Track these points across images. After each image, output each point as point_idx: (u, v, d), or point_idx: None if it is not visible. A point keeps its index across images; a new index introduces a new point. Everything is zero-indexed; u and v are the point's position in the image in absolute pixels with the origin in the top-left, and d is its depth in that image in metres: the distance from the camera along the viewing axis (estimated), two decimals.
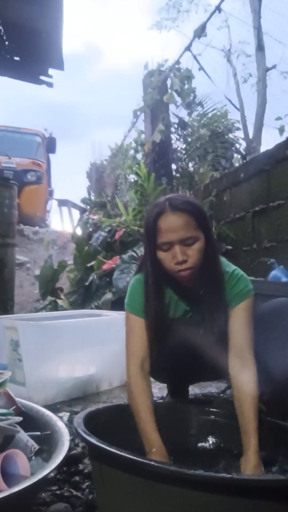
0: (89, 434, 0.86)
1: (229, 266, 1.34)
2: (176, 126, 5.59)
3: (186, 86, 5.19)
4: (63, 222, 9.77)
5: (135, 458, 0.76)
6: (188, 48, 5.00)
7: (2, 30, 3.60)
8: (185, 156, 5.64)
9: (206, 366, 1.21)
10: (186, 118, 5.63)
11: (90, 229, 4.59)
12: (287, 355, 1.27)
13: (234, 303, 1.26)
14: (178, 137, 5.66)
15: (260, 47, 4.80)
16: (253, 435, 1.06)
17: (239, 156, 5.54)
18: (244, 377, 1.16)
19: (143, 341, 1.25)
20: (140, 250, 3.36)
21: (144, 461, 0.76)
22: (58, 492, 1.09)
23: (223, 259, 1.37)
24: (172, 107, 5.40)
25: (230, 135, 5.65)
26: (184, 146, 5.68)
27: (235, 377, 1.17)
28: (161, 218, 1.22)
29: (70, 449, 1.13)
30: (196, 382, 1.67)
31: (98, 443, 0.82)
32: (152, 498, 0.77)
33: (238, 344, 1.21)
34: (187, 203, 1.25)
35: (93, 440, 0.84)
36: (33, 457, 0.99)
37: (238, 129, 5.56)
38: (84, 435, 0.87)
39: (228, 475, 0.73)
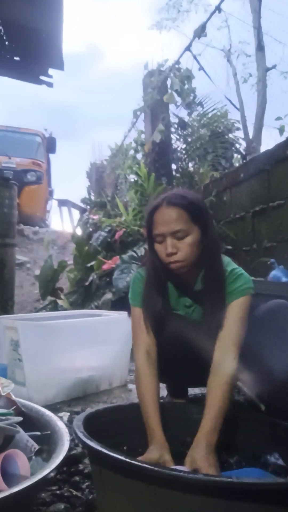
0: (89, 438, 0.86)
1: (230, 265, 1.34)
2: (176, 126, 5.59)
3: (186, 86, 5.19)
4: (63, 222, 9.79)
5: (135, 462, 0.76)
6: (188, 48, 5.00)
7: (2, 30, 3.61)
8: (185, 156, 5.64)
9: (203, 364, 1.22)
10: (186, 118, 5.63)
11: (90, 229, 4.59)
12: (285, 356, 1.27)
13: (229, 300, 1.27)
14: (178, 137, 5.66)
15: (260, 47, 4.80)
16: (209, 421, 1.07)
17: (239, 156, 5.54)
18: (221, 366, 1.17)
19: (148, 329, 1.28)
20: (140, 250, 3.36)
21: (144, 465, 0.76)
22: (58, 492, 1.09)
23: (227, 258, 1.37)
24: (172, 107, 5.40)
25: (230, 135, 5.65)
26: (184, 146, 5.68)
27: (213, 364, 1.19)
28: (157, 211, 1.28)
29: (70, 449, 1.13)
30: (194, 384, 1.66)
31: (98, 447, 0.82)
32: (152, 502, 0.77)
33: (224, 336, 1.22)
34: (183, 198, 1.28)
35: (93, 444, 0.84)
36: (33, 457, 0.99)
37: (238, 129, 5.56)
38: (84, 439, 0.87)
39: (228, 479, 0.73)
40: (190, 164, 5.62)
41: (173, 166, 5.51)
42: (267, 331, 1.31)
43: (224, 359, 1.18)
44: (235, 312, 1.25)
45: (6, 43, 3.76)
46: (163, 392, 1.81)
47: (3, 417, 0.98)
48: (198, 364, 1.23)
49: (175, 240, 1.25)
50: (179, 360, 1.36)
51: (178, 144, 5.68)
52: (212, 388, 1.14)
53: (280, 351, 1.28)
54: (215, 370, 1.17)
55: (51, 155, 9.84)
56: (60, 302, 3.86)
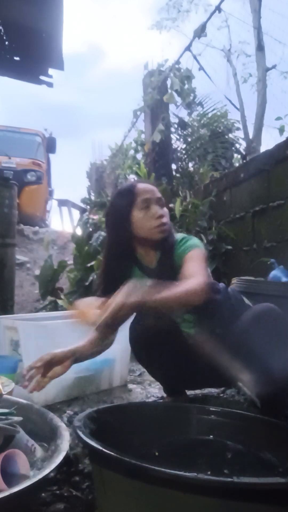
0: (89, 437, 0.86)
1: (180, 236, 1.44)
2: (176, 126, 5.59)
3: (186, 86, 5.19)
4: (63, 222, 9.77)
5: (135, 462, 0.76)
6: (188, 48, 5.00)
7: (2, 30, 3.60)
8: (185, 156, 5.64)
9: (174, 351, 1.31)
10: (186, 118, 5.63)
11: (90, 229, 4.58)
12: (283, 356, 1.27)
13: (182, 257, 1.35)
14: (178, 137, 5.66)
15: (260, 47, 4.80)
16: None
17: (239, 156, 5.54)
18: (185, 282, 1.21)
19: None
20: None
21: (145, 465, 0.76)
22: (58, 492, 1.09)
23: (180, 234, 1.48)
24: (172, 107, 5.40)
25: (230, 135, 5.64)
26: (184, 146, 5.67)
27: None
28: (137, 185, 1.43)
29: (70, 449, 1.13)
30: (187, 383, 1.68)
31: (98, 447, 0.82)
32: (152, 502, 0.77)
33: (184, 275, 1.27)
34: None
35: (93, 443, 0.84)
36: (33, 457, 0.99)
37: (238, 129, 5.56)
38: (84, 439, 0.87)
39: (229, 479, 0.73)
40: (190, 164, 5.62)
41: (173, 166, 5.51)
42: (254, 335, 1.31)
43: (194, 275, 1.23)
44: (189, 258, 1.33)
45: (6, 43, 3.76)
46: (163, 392, 1.82)
47: (3, 417, 0.98)
48: (168, 351, 1.30)
49: (159, 207, 1.39)
50: (149, 347, 1.47)
51: (178, 144, 5.68)
52: (177, 285, 1.18)
53: (267, 355, 1.28)
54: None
55: (51, 155, 9.84)
56: (60, 302, 3.86)
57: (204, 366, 1.26)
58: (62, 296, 3.95)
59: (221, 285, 1.55)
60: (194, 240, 1.41)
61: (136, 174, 4.62)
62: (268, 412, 1.24)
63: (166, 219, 1.39)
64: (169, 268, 1.37)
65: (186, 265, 1.31)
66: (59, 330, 2.00)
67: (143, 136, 6.03)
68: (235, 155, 5.61)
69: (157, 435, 1.12)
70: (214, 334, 1.32)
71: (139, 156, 6.24)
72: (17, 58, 3.97)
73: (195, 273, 1.25)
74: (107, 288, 1.35)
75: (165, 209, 1.40)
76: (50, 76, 4.10)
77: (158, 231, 1.37)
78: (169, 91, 5.14)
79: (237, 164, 4.93)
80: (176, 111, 5.52)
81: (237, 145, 5.61)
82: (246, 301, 1.51)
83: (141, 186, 1.43)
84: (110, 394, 2.10)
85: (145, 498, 0.78)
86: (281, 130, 3.89)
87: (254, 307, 1.40)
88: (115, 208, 1.46)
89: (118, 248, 1.43)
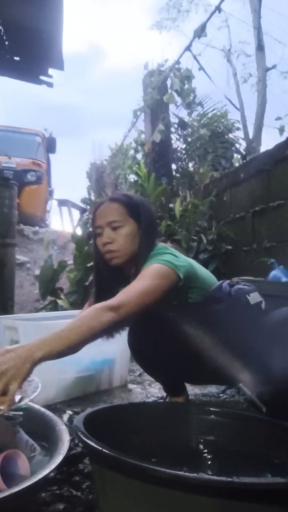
0: (89, 437, 0.86)
1: (158, 249, 1.38)
2: (176, 126, 5.59)
3: (186, 86, 5.19)
4: (63, 222, 9.77)
5: (135, 462, 0.76)
6: (188, 48, 5.00)
7: (2, 30, 3.60)
8: (185, 156, 5.64)
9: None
10: (186, 118, 5.63)
11: (90, 229, 4.58)
12: (285, 356, 1.27)
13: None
14: (178, 137, 5.66)
15: (260, 47, 4.79)
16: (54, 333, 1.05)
17: (239, 156, 5.54)
18: (109, 301, 1.15)
19: None
20: None
21: (145, 465, 0.76)
22: (58, 492, 1.09)
23: (161, 245, 1.42)
24: (172, 107, 5.40)
25: (230, 135, 5.65)
26: (184, 146, 5.68)
27: None
28: (99, 207, 1.42)
29: (70, 449, 1.13)
30: (185, 378, 1.67)
31: (98, 447, 0.82)
32: (152, 502, 0.77)
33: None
34: (123, 195, 1.44)
35: (93, 443, 0.84)
36: (33, 457, 0.99)
37: (238, 129, 5.56)
38: (84, 438, 0.87)
39: (228, 479, 0.73)
40: (190, 164, 5.62)
41: (173, 166, 5.51)
42: (281, 337, 1.29)
43: (119, 295, 1.17)
44: (142, 273, 1.26)
45: (6, 43, 3.76)
46: (163, 392, 1.82)
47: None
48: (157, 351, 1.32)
49: (111, 231, 1.36)
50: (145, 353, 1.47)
51: (178, 144, 5.68)
52: (87, 311, 1.15)
53: (283, 353, 1.27)
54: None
55: (51, 155, 9.84)
56: (60, 302, 3.86)
57: (205, 364, 1.26)
58: (62, 296, 3.95)
59: (224, 287, 1.48)
60: (167, 256, 1.33)
61: (136, 174, 4.61)
62: (275, 412, 1.24)
63: (113, 246, 1.36)
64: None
65: (139, 277, 1.27)
66: None
67: (143, 136, 6.03)
68: (235, 155, 5.61)
69: (157, 435, 1.12)
70: (216, 341, 1.30)
71: (139, 156, 6.24)
72: (17, 58, 3.97)
73: (121, 292, 1.20)
74: (100, 294, 1.43)
75: (121, 230, 1.36)
76: (50, 76, 4.10)
77: (107, 259, 1.39)
78: (169, 91, 5.14)
79: (237, 164, 4.93)
80: (176, 111, 5.53)
81: (237, 145, 5.62)
82: (253, 300, 1.47)
83: (99, 210, 1.41)
84: (110, 394, 2.10)
85: (145, 498, 0.78)
86: (281, 130, 3.90)
87: (280, 311, 1.38)
88: (91, 222, 1.52)
89: (98, 264, 1.48)
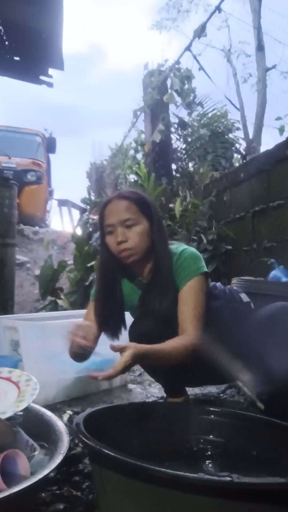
0: (89, 437, 0.86)
1: (179, 247, 1.40)
2: (176, 126, 5.59)
3: (186, 86, 5.19)
4: (63, 222, 9.77)
5: (135, 462, 0.76)
6: (188, 48, 5.01)
7: (2, 30, 3.61)
8: (185, 156, 5.64)
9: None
10: (186, 118, 5.63)
11: (90, 229, 4.59)
12: (285, 357, 1.27)
13: (182, 285, 1.34)
14: (178, 137, 5.66)
15: (260, 47, 4.79)
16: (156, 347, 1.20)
17: (239, 156, 5.54)
18: (182, 336, 1.27)
19: (94, 322, 1.44)
20: None
21: (145, 465, 0.76)
22: (58, 492, 1.09)
23: (176, 243, 1.44)
24: (172, 107, 5.41)
25: (230, 135, 5.64)
26: (184, 146, 5.68)
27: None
28: (108, 205, 1.38)
29: (70, 449, 1.13)
30: (187, 382, 1.68)
31: (99, 447, 0.82)
32: (152, 502, 0.77)
33: (180, 322, 1.30)
34: (132, 193, 1.41)
35: (93, 443, 0.84)
36: (33, 457, 0.99)
37: (238, 129, 5.56)
38: (84, 438, 0.87)
39: (228, 479, 0.73)
40: (190, 164, 5.62)
41: (173, 166, 5.51)
42: (269, 334, 1.30)
43: (186, 330, 1.28)
44: (188, 297, 1.32)
45: (6, 43, 3.76)
46: (163, 392, 1.82)
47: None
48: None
49: (125, 229, 1.34)
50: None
51: (178, 144, 5.68)
52: (171, 341, 1.24)
53: (281, 354, 1.27)
54: (177, 337, 1.27)
55: (51, 155, 9.84)
56: (60, 302, 3.86)
57: (205, 364, 1.26)
58: (62, 296, 3.95)
59: (219, 286, 1.54)
60: (198, 260, 1.37)
61: (136, 174, 4.62)
62: (275, 412, 1.24)
63: (128, 244, 1.34)
64: (164, 280, 1.36)
65: (183, 306, 1.32)
66: (59, 330, 2.00)
67: (143, 136, 6.03)
68: (235, 155, 5.61)
69: (157, 435, 1.12)
70: (215, 338, 1.31)
71: (139, 156, 6.24)
72: (17, 58, 3.98)
73: (187, 326, 1.28)
74: (102, 295, 1.44)
75: (135, 228, 1.34)
76: (50, 76, 4.10)
77: (121, 258, 1.37)
78: (169, 91, 5.14)
79: (237, 164, 4.93)
80: (176, 111, 5.54)
81: (237, 145, 5.62)
82: (245, 298, 1.51)
83: (108, 208, 1.37)
84: (110, 394, 2.10)
85: (145, 498, 0.78)
86: (281, 130, 3.89)
87: (269, 307, 1.39)
88: (98, 221, 1.47)
89: (105, 264, 1.45)
